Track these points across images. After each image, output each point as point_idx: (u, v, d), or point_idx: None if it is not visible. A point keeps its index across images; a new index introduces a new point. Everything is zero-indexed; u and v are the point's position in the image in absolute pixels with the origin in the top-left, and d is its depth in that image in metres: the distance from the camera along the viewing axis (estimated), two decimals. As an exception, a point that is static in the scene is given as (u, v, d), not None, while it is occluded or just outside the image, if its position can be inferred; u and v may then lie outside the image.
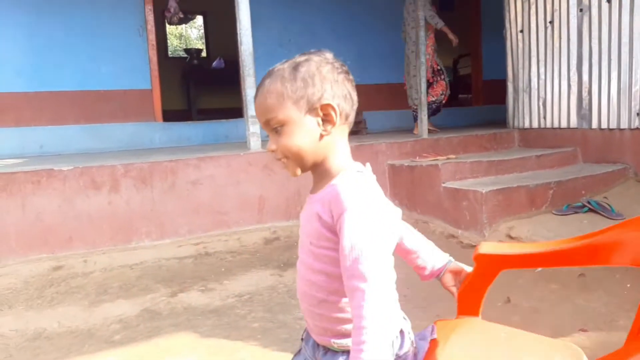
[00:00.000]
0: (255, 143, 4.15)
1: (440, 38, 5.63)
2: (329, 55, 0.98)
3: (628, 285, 2.71)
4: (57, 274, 3.35)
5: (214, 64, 8.46)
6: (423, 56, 4.84)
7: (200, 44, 13.95)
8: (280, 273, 3.30)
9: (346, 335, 0.93)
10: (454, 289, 1.20)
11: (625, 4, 4.08)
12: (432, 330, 1.07)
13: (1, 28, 5.27)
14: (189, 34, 17.41)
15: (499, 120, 5.86)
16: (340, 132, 0.96)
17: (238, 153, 4.06)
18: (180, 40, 16.93)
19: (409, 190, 4.37)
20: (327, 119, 0.93)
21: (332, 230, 0.90)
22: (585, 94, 4.53)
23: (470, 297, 1.22)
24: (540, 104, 4.99)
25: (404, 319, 1.03)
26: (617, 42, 4.19)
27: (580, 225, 3.43)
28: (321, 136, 0.93)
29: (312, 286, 0.95)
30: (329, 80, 0.93)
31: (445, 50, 10.51)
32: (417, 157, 4.52)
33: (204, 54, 9.44)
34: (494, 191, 3.65)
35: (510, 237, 3.48)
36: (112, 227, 3.68)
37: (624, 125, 4.23)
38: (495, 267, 1.21)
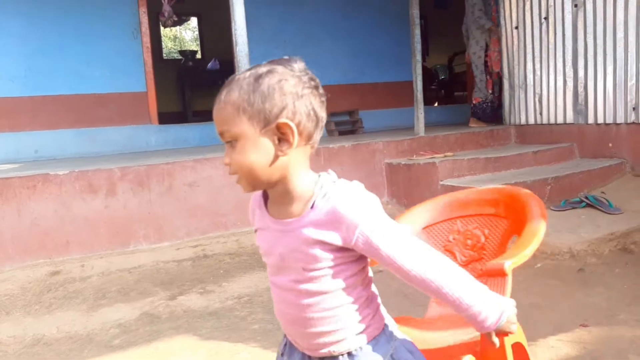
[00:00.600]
0: (251, 144, 4.13)
1: (435, 34, 5.63)
2: (297, 66, 0.88)
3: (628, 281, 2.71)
4: (55, 279, 3.33)
5: (209, 65, 8.44)
6: (419, 54, 4.83)
7: (194, 46, 13.93)
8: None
9: (343, 339, 0.93)
10: None
11: (619, -2, 4.09)
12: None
13: (-6, 33, 5.24)
14: (184, 36, 17.38)
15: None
16: (301, 153, 0.89)
17: (235, 154, 4.04)
18: (175, 42, 16.90)
19: (406, 189, 4.37)
20: (284, 138, 0.86)
21: (343, 249, 0.88)
22: (581, 89, 4.54)
23: None
24: (536, 100, 5.00)
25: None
26: (612, 37, 4.19)
27: (578, 221, 3.44)
28: (276, 157, 0.86)
29: (308, 308, 0.92)
30: (291, 96, 0.85)
31: (439, 48, 10.56)
32: (415, 155, 4.51)
33: (198, 55, 9.42)
34: (492, 188, 3.64)
35: (509, 234, 3.48)
36: (110, 231, 3.66)
37: (620, 120, 4.23)
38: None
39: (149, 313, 2.79)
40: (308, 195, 0.89)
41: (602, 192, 3.85)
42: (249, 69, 0.89)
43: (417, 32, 4.88)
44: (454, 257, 1.50)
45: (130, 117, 5.75)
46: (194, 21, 9.97)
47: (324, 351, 0.95)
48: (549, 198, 3.79)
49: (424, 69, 7.13)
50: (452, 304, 0.90)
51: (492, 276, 1.19)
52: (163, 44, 10.50)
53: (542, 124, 4.97)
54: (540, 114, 4.97)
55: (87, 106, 5.59)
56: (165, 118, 6.23)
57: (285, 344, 1.03)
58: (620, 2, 4.09)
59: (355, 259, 0.92)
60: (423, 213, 1.56)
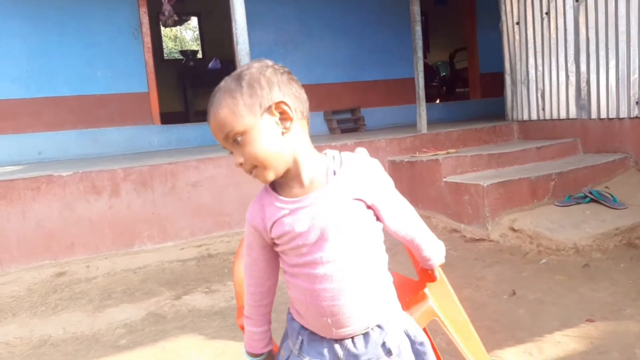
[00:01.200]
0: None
1: (435, 31, 5.62)
2: (268, 61, 0.98)
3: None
4: (60, 280, 3.34)
5: (210, 64, 8.43)
6: (420, 51, 4.82)
7: (195, 46, 13.92)
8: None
9: (376, 311, 1.01)
10: None
11: (621, -8, 4.07)
12: None
13: (-4, 35, 5.25)
14: (184, 36, 17.38)
15: (498, 113, 5.85)
16: (301, 127, 0.97)
17: (238, 153, 4.04)
18: (176, 42, 16.90)
19: (410, 186, 4.36)
20: (283, 117, 0.94)
21: (368, 207, 1.00)
22: (583, 84, 4.52)
23: None
24: (539, 95, 4.98)
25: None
26: (614, 32, 4.17)
27: (583, 216, 3.43)
28: (282, 134, 0.94)
29: (349, 275, 0.97)
30: (274, 82, 0.94)
31: (440, 45, 10.54)
32: (417, 153, 4.51)
33: (199, 55, 9.42)
34: (496, 184, 3.64)
35: (513, 230, 3.47)
36: (114, 231, 3.67)
37: (623, 114, 4.22)
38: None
39: (154, 313, 2.80)
40: (324, 167, 0.98)
41: (606, 187, 3.84)
42: (227, 76, 0.97)
43: (418, 28, 4.88)
44: None
45: (132, 117, 5.76)
46: (194, 21, 9.97)
47: (357, 328, 0.99)
48: (553, 193, 3.78)
49: (426, 65, 7.11)
50: (420, 256, 1.15)
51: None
52: (164, 44, 10.50)
53: (545, 120, 4.96)
54: (543, 109, 4.96)
55: (89, 107, 5.60)
56: (167, 118, 6.24)
57: (302, 342, 1.04)
58: (622, -4, 4.07)
59: (376, 219, 1.03)
60: None
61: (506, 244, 3.42)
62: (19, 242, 3.43)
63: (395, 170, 4.52)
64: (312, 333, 1.03)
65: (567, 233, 3.19)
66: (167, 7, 6.01)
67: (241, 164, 0.95)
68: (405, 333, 1.05)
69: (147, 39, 5.82)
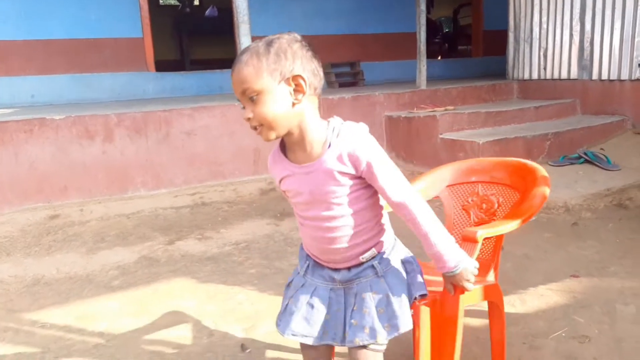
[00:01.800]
0: (250, 93, 4.07)
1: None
2: (297, 36, 1.08)
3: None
4: (54, 222, 3.36)
5: (207, 12, 8.20)
6: (423, 3, 4.68)
7: (192, -8, 13.45)
8: (276, 222, 3.32)
9: (369, 247, 1.15)
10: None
11: (633, -52, 3.93)
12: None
13: (-16, -29, 5.05)
14: (181, -18, 16.77)
15: (499, 71, 5.77)
16: (310, 101, 1.08)
17: (233, 103, 3.99)
18: (172, -12, 16.32)
19: (406, 142, 4.35)
20: (298, 89, 1.04)
21: (357, 177, 1.08)
22: (587, 44, 4.44)
23: None
24: (541, 54, 4.90)
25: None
26: (623, -10, 4.06)
27: (575, 176, 3.45)
28: (293, 104, 1.05)
29: (338, 230, 1.12)
30: (299, 56, 1.04)
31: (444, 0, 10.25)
32: (415, 109, 4.46)
33: (196, 2, 9.14)
34: (491, 142, 3.63)
35: (506, 188, 3.49)
36: (108, 176, 3.66)
37: (624, 76, 4.17)
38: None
39: (147, 257, 2.83)
40: (323, 137, 1.08)
41: (601, 149, 3.84)
42: (259, 40, 1.07)
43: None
44: (468, 216, 1.67)
45: (126, 63, 5.64)
46: (191, -35, 9.59)
47: (350, 264, 1.16)
48: (548, 153, 3.78)
49: (428, 21, 6.94)
50: (422, 237, 1.10)
51: (465, 241, 1.34)
52: (160, -11, 10.13)
53: (545, 79, 4.89)
54: (545, 68, 4.89)
55: (82, 51, 5.46)
56: (163, 66, 6.11)
57: (308, 266, 1.23)
58: (634, -48, 3.94)
59: (367, 185, 1.11)
60: (449, 172, 1.74)
61: (498, 201, 3.45)
62: (11, 184, 3.42)
63: (392, 125, 4.49)
64: (315, 262, 1.22)
65: (559, 192, 3.21)
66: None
67: (249, 119, 1.06)
68: (399, 261, 1.20)
69: (142, -18, 5.63)
